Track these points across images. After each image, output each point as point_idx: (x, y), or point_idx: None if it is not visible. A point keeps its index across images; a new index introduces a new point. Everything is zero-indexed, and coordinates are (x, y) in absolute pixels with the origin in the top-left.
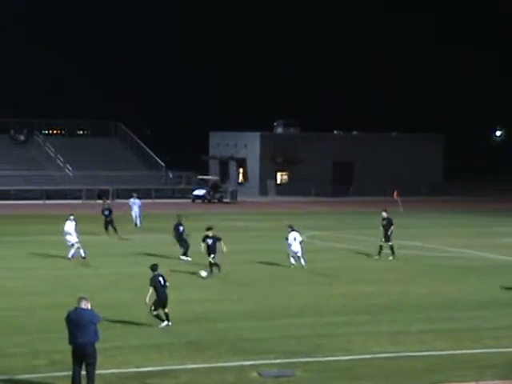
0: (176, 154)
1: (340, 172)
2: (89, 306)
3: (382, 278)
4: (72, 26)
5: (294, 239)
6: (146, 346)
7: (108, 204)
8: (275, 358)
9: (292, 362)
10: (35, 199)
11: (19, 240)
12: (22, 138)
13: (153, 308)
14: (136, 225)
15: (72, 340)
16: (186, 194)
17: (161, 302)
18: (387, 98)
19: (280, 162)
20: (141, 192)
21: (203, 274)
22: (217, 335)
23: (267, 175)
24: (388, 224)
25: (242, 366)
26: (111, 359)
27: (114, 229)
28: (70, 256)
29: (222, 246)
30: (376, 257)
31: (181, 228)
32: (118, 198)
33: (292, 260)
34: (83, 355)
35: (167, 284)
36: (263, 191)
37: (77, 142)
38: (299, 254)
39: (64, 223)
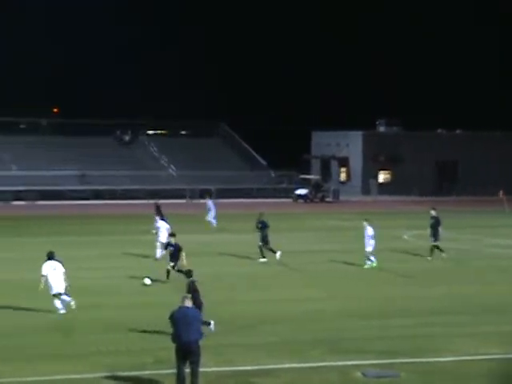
0: (278, 153)
1: (443, 171)
2: (190, 305)
3: (479, 279)
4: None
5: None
6: (245, 345)
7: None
8: (376, 358)
9: (394, 363)
10: (140, 199)
11: (122, 239)
12: (127, 138)
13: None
14: (213, 225)
15: (177, 338)
16: (288, 193)
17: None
18: (490, 96)
19: (382, 161)
20: (242, 192)
21: (147, 281)
22: (314, 335)
23: (369, 174)
24: (436, 223)
25: (345, 366)
26: (213, 357)
27: None
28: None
29: (183, 258)
30: (429, 258)
31: (263, 225)
32: (221, 197)
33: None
34: (188, 353)
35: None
36: (365, 190)
37: (180, 142)
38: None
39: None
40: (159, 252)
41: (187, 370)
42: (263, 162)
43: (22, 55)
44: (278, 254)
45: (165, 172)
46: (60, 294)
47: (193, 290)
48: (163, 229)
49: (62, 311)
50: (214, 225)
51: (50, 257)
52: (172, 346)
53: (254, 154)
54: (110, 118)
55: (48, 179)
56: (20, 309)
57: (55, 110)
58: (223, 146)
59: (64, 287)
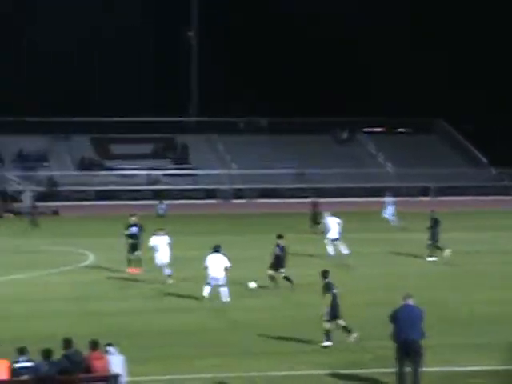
0: (501, 150)
1: None
2: (412, 302)
3: None
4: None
5: None
6: (463, 345)
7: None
8: None
9: None
10: (357, 196)
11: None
12: (345, 136)
13: (325, 319)
14: (391, 223)
15: (399, 336)
16: (508, 191)
17: (334, 312)
18: None
19: None
20: (460, 189)
21: (252, 285)
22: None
23: None
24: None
25: None
26: (434, 357)
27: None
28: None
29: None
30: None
31: (435, 223)
32: (439, 195)
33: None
34: (409, 352)
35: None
36: None
37: (397, 140)
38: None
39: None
40: (330, 249)
41: (408, 369)
42: (484, 159)
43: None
44: (447, 252)
45: (382, 170)
46: (219, 286)
47: (327, 291)
48: (332, 225)
49: (226, 299)
50: (393, 222)
51: (216, 250)
52: (391, 344)
53: (475, 150)
54: (327, 116)
55: (266, 177)
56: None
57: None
58: (441, 143)
59: (224, 279)
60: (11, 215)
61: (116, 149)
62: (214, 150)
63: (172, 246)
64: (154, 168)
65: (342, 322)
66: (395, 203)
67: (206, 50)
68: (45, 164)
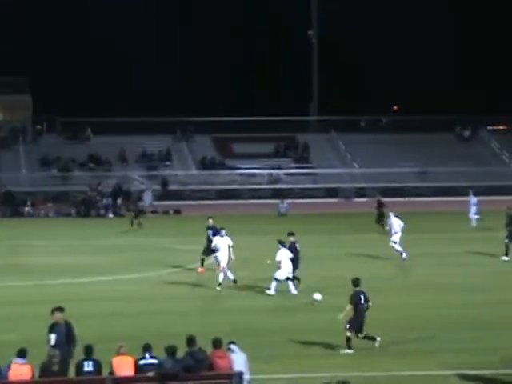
0: None
1: None
2: None
3: None
4: None
5: None
6: None
7: None
8: None
9: None
10: (480, 195)
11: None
12: (467, 134)
13: (348, 327)
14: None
15: None
16: None
17: (358, 323)
18: None
19: None
20: None
21: (317, 297)
22: None
23: None
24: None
25: None
26: None
27: None
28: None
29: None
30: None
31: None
32: None
33: None
34: None
35: (369, 304)
36: None
37: None
38: None
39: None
40: (401, 250)
41: None
42: None
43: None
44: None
45: (506, 168)
46: (288, 279)
47: (360, 300)
48: (396, 226)
49: (293, 292)
50: (475, 222)
51: (283, 244)
52: None
53: None
54: (449, 114)
55: (389, 176)
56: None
57: (395, 107)
58: None
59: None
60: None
61: (237, 148)
62: (334, 148)
63: (234, 247)
64: (275, 167)
65: (360, 336)
66: (476, 203)
67: (326, 49)
68: (167, 163)
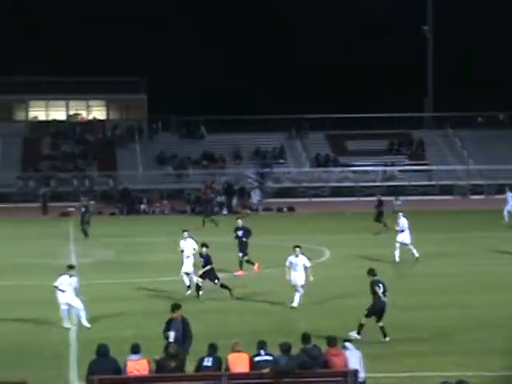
0: None
1: None
2: None
3: None
4: None
5: None
6: None
7: None
8: None
9: None
10: None
11: None
12: None
13: (365, 313)
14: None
15: None
16: None
17: (375, 310)
18: None
19: None
20: None
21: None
22: None
23: None
24: None
25: None
26: None
27: None
28: None
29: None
30: None
31: None
32: None
33: None
34: None
35: (386, 294)
36: None
37: None
38: None
39: None
40: (398, 254)
41: None
42: None
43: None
44: None
45: None
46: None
47: (379, 289)
48: (404, 226)
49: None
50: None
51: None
52: None
53: None
54: None
55: (506, 173)
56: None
57: None
58: None
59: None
60: (248, 211)
61: (351, 145)
62: (450, 145)
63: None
64: (389, 164)
65: (380, 324)
66: None
67: (440, 44)
68: (281, 161)
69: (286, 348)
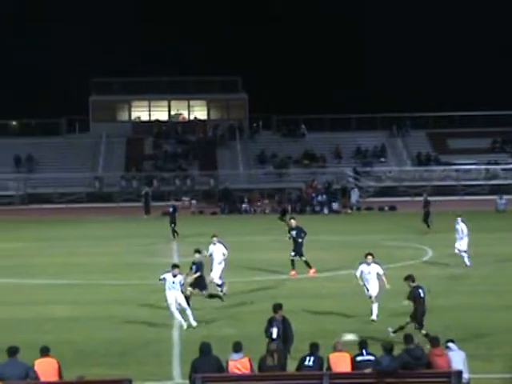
0: None
1: None
2: None
3: None
4: None
5: None
6: None
7: None
8: None
9: None
10: None
11: None
12: None
13: (409, 320)
14: None
15: None
16: None
17: (418, 315)
18: None
19: None
20: None
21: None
22: None
23: None
24: None
25: None
26: None
27: None
28: None
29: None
30: None
31: None
32: None
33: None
34: None
35: (426, 298)
36: None
37: None
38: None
39: None
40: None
41: None
42: None
43: None
44: None
45: None
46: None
47: (419, 294)
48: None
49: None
50: None
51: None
52: None
53: None
54: None
55: None
56: None
57: None
58: None
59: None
60: (349, 210)
61: (452, 143)
62: None
63: (385, 275)
64: (492, 163)
65: (422, 332)
66: None
67: None
68: (382, 160)
69: (388, 348)
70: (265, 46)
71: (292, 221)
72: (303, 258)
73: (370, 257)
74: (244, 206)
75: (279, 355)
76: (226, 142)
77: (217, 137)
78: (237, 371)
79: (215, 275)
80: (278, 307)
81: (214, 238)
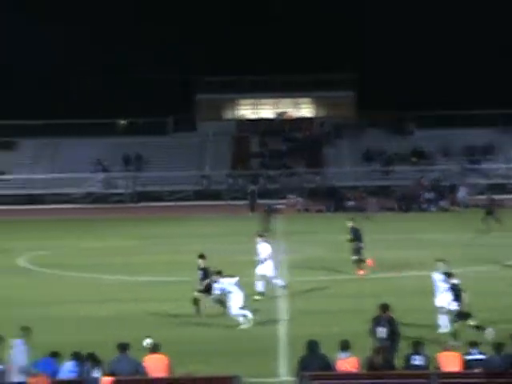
0: None
1: None
2: None
3: None
4: None
5: None
6: None
7: None
8: None
9: None
10: None
11: None
12: None
13: (456, 320)
14: None
15: None
16: None
17: (463, 313)
18: None
19: None
20: None
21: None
22: None
23: None
24: None
25: None
26: None
27: None
28: None
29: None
30: None
31: None
32: None
33: None
34: None
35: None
36: None
37: None
38: None
39: None
40: None
41: None
42: None
43: None
44: None
45: None
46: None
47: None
48: None
49: None
50: None
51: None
52: None
53: None
54: None
55: None
56: None
57: None
58: None
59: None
60: (457, 208)
61: None
62: None
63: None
64: None
65: (472, 323)
66: None
67: None
68: (490, 157)
69: (499, 347)
70: (375, 41)
71: (350, 222)
72: (354, 258)
73: (440, 263)
74: (350, 203)
75: (386, 354)
76: (332, 139)
77: (323, 134)
78: (345, 370)
79: (268, 272)
80: (385, 307)
81: (258, 238)
